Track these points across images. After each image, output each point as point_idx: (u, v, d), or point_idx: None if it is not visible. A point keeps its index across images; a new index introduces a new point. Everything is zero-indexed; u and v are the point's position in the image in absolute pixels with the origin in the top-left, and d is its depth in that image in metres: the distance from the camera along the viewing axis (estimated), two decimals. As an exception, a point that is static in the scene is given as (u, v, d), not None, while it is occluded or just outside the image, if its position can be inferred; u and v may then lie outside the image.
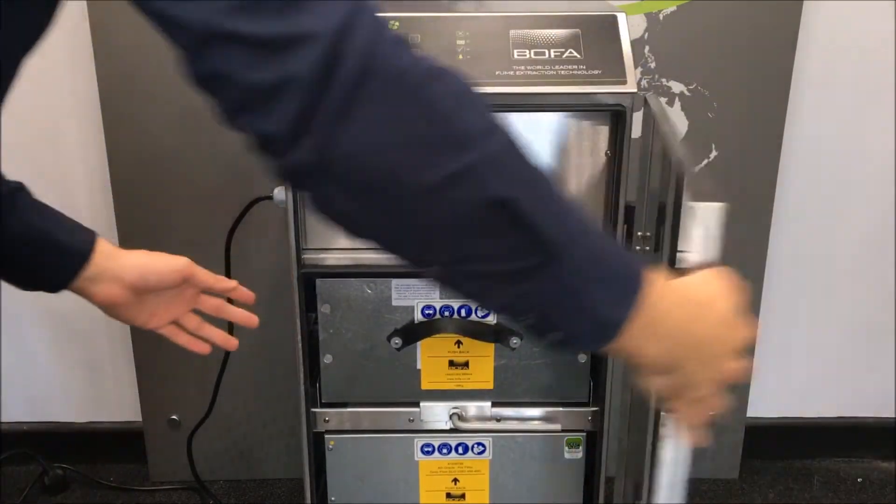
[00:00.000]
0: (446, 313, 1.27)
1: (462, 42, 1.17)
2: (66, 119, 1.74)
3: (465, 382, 1.31)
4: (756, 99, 1.66)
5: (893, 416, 2.01)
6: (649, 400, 0.75)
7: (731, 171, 1.71)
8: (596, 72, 1.16)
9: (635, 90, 1.16)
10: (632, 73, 1.16)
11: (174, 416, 1.89)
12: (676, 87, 1.66)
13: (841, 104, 1.75)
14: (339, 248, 1.25)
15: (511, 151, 0.59)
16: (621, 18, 1.20)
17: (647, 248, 1.19)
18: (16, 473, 1.96)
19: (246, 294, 1.04)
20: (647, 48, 1.63)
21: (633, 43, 1.59)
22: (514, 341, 1.26)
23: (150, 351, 1.85)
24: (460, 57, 1.16)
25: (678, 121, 1.68)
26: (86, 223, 1.75)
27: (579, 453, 1.35)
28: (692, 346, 0.66)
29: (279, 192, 1.21)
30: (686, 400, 0.70)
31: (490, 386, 1.31)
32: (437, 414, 1.32)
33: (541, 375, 1.30)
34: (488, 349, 1.29)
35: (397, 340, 1.27)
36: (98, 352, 1.94)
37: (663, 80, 1.65)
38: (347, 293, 1.27)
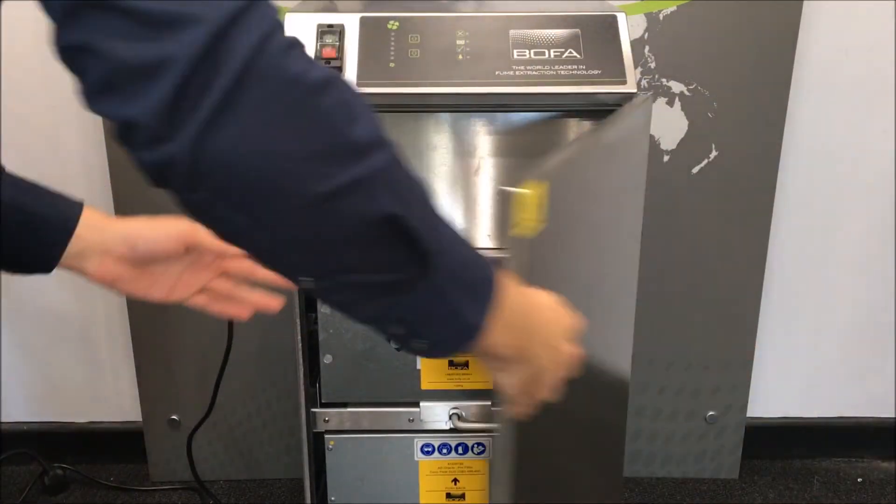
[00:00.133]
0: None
1: (462, 42, 1.17)
2: (67, 120, 1.74)
3: (465, 382, 1.31)
4: (756, 99, 1.66)
5: (893, 416, 2.01)
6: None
7: (731, 171, 1.71)
8: (596, 72, 1.16)
9: (635, 90, 1.16)
10: (632, 73, 1.16)
11: (174, 416, 1.89)
12: (676, 87, 1.66)
13: (841, 104, 1.75)
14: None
15: (396, 163, 0.59)
16: (621, 18, 1.20)
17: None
18: (16, 473, 1.96)
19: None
20: (647, 48, 1.63)
21: (633, 43, 1.60)
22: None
23: (150, 351, 1.85)
24: (460, 57, 1.16)
25: (678, 121, 1.68)
26: (86, 223, 1.71)
27: (579, 453, 1.36)
28: (535, 334, 0.71)
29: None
30: (535, 388, 0.74)
31: (490, 386, 1.31)
32: (437, 414, 1.32)
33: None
34: (488, 349, 1.29)
35: (397, 340, 1.27)
36: (98, 352, 1.94)
37: (663, 80, 1.65)
38: (347, 293, 1.27)
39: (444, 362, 1.30)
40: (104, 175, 1.71)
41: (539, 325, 0.72)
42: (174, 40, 0.50)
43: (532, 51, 1.18)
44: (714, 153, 1.70)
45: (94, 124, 1.72)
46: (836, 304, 1.91)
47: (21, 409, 1.99)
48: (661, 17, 1.61)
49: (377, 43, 1.17)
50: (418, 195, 0.61)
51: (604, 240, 1.21)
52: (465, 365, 1.30)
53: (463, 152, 1.29)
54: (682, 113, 1.67)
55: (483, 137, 1.28)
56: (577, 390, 1.28)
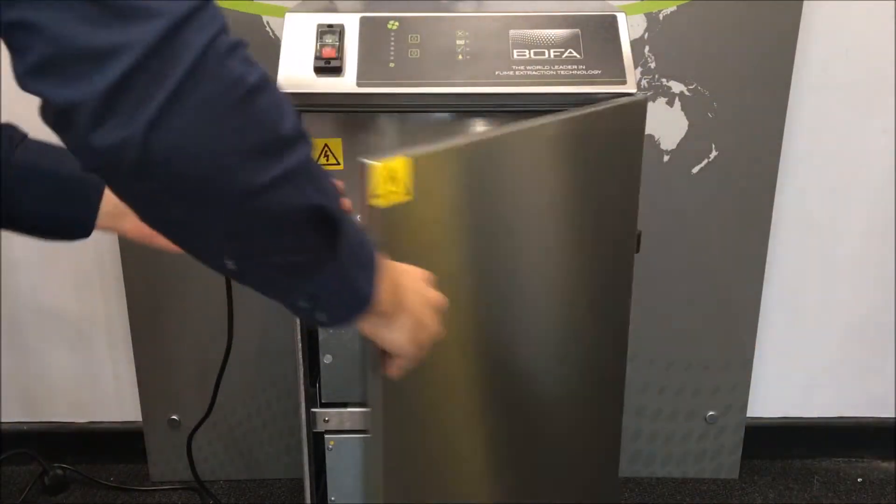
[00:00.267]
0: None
1: (462, 42, 1.17)
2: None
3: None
4: (756, 99, 1.66)
5: (893, 416, 2.01)
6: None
7: (731, 171, 1.71)
8: (596, 72, 1.16)
9: (635, 90, 1.16)
10: (632, 73, 1.16)
11: (174, 416, 1.89)
12: (676, 87, 1.66)
13: (841, 104, 1.75)
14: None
15: (312, 155, 0.64)
16: (621, 18, 1.20)
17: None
18: (16, 473, 1.96)
19: None
20: (647, 48, 1.63)
21: (633, 43, 1.60)
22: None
23: (150, 351, 1.85)
24: (460, 57, 1.16)
25: (678, 121, 1.68)
26: (86, 223, 1.71)
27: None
28: (406, 287, 0.80)
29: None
30: (418, 334, 0.82)
31: None
32: (436, 414, 1.32)
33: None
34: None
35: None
36: (98, 352, 1.94)
37: (663, 80, 1.65)
38: (347, 293, 1.26)
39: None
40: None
41: (406, 279, 0.81)
42: (132, 30, 0.52)
43: (532, 51, 1.18)
44: (714, 153, 1.70)
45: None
46: (836, 304, 1.91)
47: (21, 409, 1.99)
48: (661, 17, 1.61)
49: (377, 43, 1.17)
50: (329, 183, 0.67)
51: (599, 237, 1.21)
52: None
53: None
54: (682, 113, 1.67)
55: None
56: (573, 389, 1.29)
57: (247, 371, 1.82)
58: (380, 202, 0.85)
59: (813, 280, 1.90)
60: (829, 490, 1.95)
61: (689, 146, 1.70)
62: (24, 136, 0.91)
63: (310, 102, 1.15)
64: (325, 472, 1.37)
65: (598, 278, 1.24)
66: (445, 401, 1.05)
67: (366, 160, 0.84)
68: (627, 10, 1.39)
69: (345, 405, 1.34)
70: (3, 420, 1.99)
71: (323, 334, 1.29)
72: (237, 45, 0.58)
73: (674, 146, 1.70)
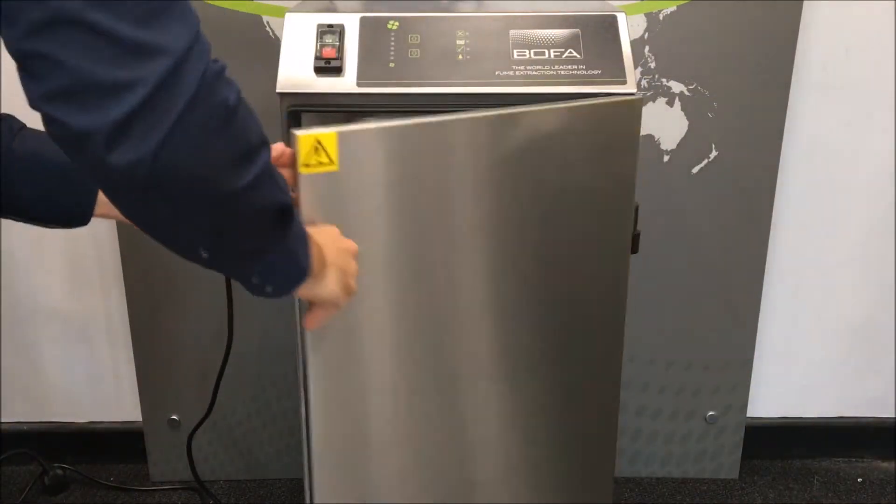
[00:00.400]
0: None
1: (462, 42, 1.17)
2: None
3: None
4: (756, 99, 1.66)
5: (893, 416, 2.01)
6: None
7: (731, 171, 1.71)
8: (596, 72, 1.16)
9: (635, 90, 1.16)
10: (632, 73, 1.16)
11: (174, 416, 1.89)
12: (676, 87, 1.66)
13: (841, 104, 1.75)
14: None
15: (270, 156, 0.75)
16: (621, 18, 1.20)
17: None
18: (16, 473, 1.96)
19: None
20: (647, 48, 1.63)
21: (633, 43, 1.60)
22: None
23: (150, 351, 1.85)
24: (460, 57, 1.16)
25: (678, 121, 1.68)
26: (86, 223, 1.70)
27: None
28: (324, 245, 0.91)
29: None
30: (345, 280, 0.95)
31: None
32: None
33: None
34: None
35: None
36: (98, 352, 1.94)
37: (663, 80, 1.65)
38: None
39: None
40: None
41: (322, 237, 0.92)
42: (144, 67, 0.60)
43: (532, 51, 1.18)
44: (714, 153, 1.70)
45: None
46: (836, 304, 1.91)
47: (21, 409, 1.99)
48: (661, 17, 1.61)
49: (377, 43, 1.17)
50: (281, 177, 0.79)
51: (585, 235, 1.21)
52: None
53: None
54: (682, 113, 1.67)
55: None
56: (568, 387, 1.30)
57: (247, 371, 1.82)
58: (307, 171, 0.95)
59: (813, 280, 1.90)
60: (829, 490, 1.95)
61: (689, 146, 1.70)
62: (22, 126, 0.94)
63: (310, 102, 1.15)
64: (325, 472, 1.37)
65: (584, 275, 1.24)
66: (372, 367, 1.13)
67: (297, 132, 0.94)
68: (627, 10, 1.39)
69: (345, 405, 1.34)
70: (3, 420, 1.99)
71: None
72: (221, 70, 0.67)
73: (674, 146, 1.70)
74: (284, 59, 1.15)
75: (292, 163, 0.94)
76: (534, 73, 1.16)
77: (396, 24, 1.18)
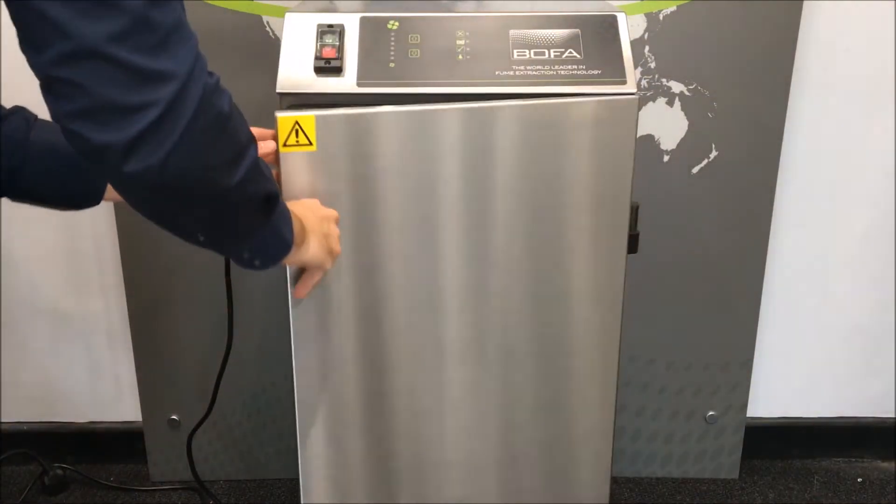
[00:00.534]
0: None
1: (462, 42, 1.17)
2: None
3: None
4: (756, 99, 1.66)
5: (893, 416, 2.01)
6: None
7: (731, 171, 1.71)
8: (596, 72, 1.16)
9: (635, 90, 1.16)
10: (632, 74, 1.16)
11: (174, 416, 1.89)
12: (676, 87, 1.66)
13: (841, 104, 1.75)
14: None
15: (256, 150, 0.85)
16: (621, 18, 1.20)
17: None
18: (16, 473, 1.96)
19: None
20: (647, 48, 1.63)
21: (633, 43, 1.60)
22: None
23: (150, 351, 1.85)
24: (460, 57, 1.16)
25: (678, 121, 1.68)
26: (85, 222, 1.75)
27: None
28: (304, 215, 1.02)
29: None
30: (328, 244, 1.06)
31: None
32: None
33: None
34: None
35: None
36: (98, 352, 1.94)
37: (663, 80, 1.65)
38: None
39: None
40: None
41: (300, 208, 1.03)
42: (155, 91, 0.70)
43: (532, 51, 1.18)
44: (714, 153, 1.70)
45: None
46: (836, 304, 1.91)
47: (21, 409, 1.99)
48: (661, 17, 1.61)
49: (377, 43, 1.17)
50: (266, 166, 0.89)
51: (578, 231, 1.22)
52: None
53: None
54: (682, 113, 1.67)
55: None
56: (564, 385, 1.30)
57: (247, 371, 1.82)
58: (287, 150, 1.07)
59: (813, 280, 1.89)
60: (829, 490, 1.95)
61: (689, 146, 1.70)
62: (35, 117, 1.03)
63: (310, 103, 1.14)
64: (324, 472, 1.37)
65: (580, 273, 1.24)
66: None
67: (278, 113, 1.06)
68: (627, 10, 1.39)
69: (345, 405, 1.34)
70: (3, 420, 1.99)
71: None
72: (216, 83, 0.77)
73: (674, 146, 1.70)
74: (284, 59, 1.15)
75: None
76: (534, 73, 1.16)
77: (396, 24, 1.18)
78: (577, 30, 1.19)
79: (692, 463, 1.95)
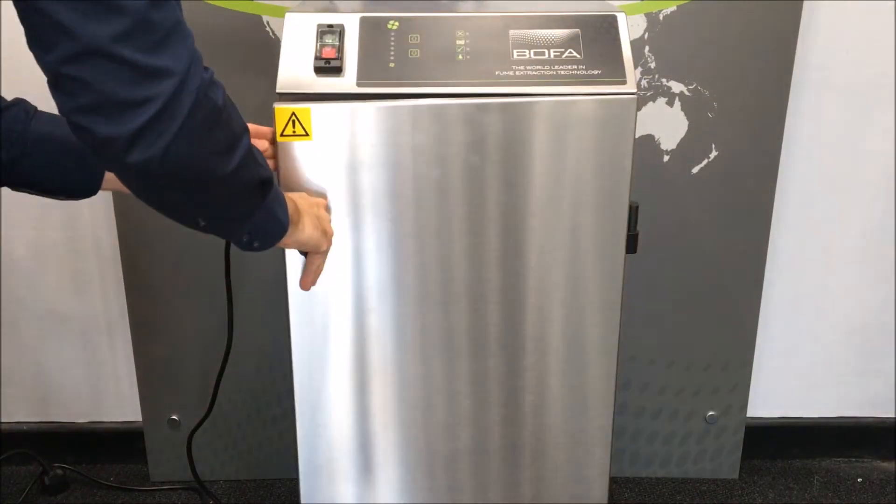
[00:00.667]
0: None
1: (462, 42, 1.17)
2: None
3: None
4: (756, 99, 1.66)
5: (893, 416, 2.01)
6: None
7: (731, 171, 1.71)
8: (596, 72, 1.16)
9: (635, 90, 1.15)
10: (632, 74, 1.16)
11: (174, 416, 1.89)
12: (676, 87, 1.66)
13: (841, 104, 1.75)
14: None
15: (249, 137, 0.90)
16: (621, 18, 1.20)
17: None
18: (16, 473, 1.96)
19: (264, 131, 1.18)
20: (647, 48, 1.63)
21: (633, 43, 1.60)
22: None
23: (150, 351, 1.85)
24: (460, 57, 1.16)
25: (678, 121, 1.68)
26: (85, 222, 1.76)
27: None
28: (297, 200, 1.07)
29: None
30: (322, 226, 1.10)
31: None
32: (436, 414, 1.32)
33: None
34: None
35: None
36: (98, 352, 1.94)
37: (663, 80, 1.65)
38: (347, 293, 1.27)
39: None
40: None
41: (293, 195, 1.07)
42: (156, 87, 0.75)
43: (532, 51, 1.18)
44: (714, 153, 1.70)
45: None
46: (836, 303, 1.91)
47: (21, 409, 1.99)
48: (661, 17, 1.61)
49: (377, 43, 1.17)
50: (259, 152, 0.93)
51: (574, 230, 1.22)
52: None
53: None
54: (682, 113, 1.67)
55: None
56: (562, 384, 1.30)
57: (247, 371, 1.82)
58: (284, 140, 1.11)
59: (813, 280, 1.90)
60: (829, 490, 1.95)
61: (689, 146, 1.70)
62: (35, 109, 1.06)
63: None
64: (324, 471, 1.37)
65: (578, 272, 1.24)
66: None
67: (276, 104, 1.10)
68: (627, 10, 1.39)
69: (345, 405, 1.34)
70: (3, 420, 1.99)
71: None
72: (211, 77, 0.81)
73: (674, 146, 1.70)
74: (284, 59, 1.15)
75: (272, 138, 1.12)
76: (533, 73, 1.16)
77: (396, 24, 1.18)
78: (577, 30, 1.19)
79: (692, 463, 1.95)
